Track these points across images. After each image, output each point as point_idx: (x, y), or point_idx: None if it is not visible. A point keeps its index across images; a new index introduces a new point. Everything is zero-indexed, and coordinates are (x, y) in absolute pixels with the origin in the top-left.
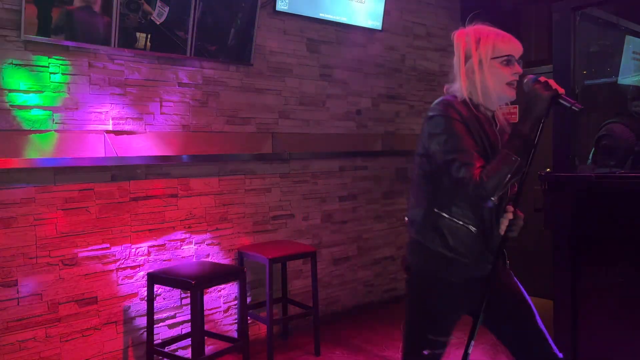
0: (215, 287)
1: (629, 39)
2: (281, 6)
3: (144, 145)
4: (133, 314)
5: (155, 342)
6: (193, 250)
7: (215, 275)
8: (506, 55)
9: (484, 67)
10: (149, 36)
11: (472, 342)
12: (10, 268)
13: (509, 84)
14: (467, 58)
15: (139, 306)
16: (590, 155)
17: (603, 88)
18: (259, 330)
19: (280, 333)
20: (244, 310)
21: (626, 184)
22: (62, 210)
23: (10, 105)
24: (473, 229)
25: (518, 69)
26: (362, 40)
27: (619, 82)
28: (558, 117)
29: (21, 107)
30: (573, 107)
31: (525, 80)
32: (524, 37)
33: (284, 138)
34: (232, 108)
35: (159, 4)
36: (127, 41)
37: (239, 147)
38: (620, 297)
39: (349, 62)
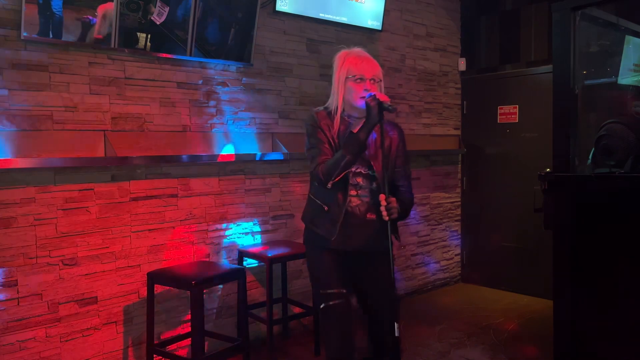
0: (215, 287)
1: (629, 39)
2: (281, 6)
3: (144, 145)
4: (133, 314)
5: (155, 342)
6: (193, 250)
7: (215, 275)
8: (357, 75)
9: (342, 85)
10: (149, 36)
11: (397, 325)
12: (10, 268)
13: (360, 97)
14: (336, 77)
15: (139, 306)
16: (590, 155)
17: (603, 88)
18: (259, 330)
19: (280, 333)
20: (244, 310)
21: (626, 184)
22: (62, 210)
23: (12, 106)
24: (325, 207)
25: (367, 86)
26: (362, 40)
27: (619, 82)
28: (558, 117)
29: (21, 107)
30: (390, 108)
31: (365, 97)
32: (524, 37)
33: (284, 138)
34: (232, 108)
35: (159, 4)
36: (127, 41)
37: (239, 147)
38: (620, 297)
39: None
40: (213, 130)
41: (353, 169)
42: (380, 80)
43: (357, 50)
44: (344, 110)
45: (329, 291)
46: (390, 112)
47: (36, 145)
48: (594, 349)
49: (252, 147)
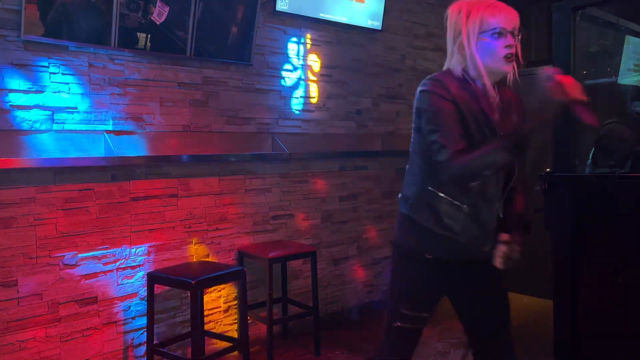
0: (215, 287)
1: (629, 39)
2: (281, 6)
3: (144, 145)
4: (133, 314)
5: (155, 342)
6: (193, 250)
7: (215, 275)
8: (495, 28)
9: (473, 43)
10: (149, 36)
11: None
12: (10, 268)
13: (502, 57)
14: (458, 33)
15: (139, 306)
16: (590, 155)
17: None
18: (259, 330)
19: (280, 333)
20: (244, 310)
21: (626, 184)
22: (62, 210)
23: (11, 105)
24: (466, 208)
25: (510, 40)
26: (362, 40)
27: (619, 82)
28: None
29: (21, 107)
30: (587, 120)
31: (541, 73)
32: (523, 37)
33: (284, 138)
34: (232, 108)
35: (159, 4)
36: (127, 41)
37: (239, 147)
38: (621, 297)
39: (349, 62)
40: (213, 130)
41: None
42: (519, 34)
43: None
44: (466, 73)
45: (412, 314)
46: (584, 121)
47: (36, 145)
48: (594, 349)
49: (252, 147)
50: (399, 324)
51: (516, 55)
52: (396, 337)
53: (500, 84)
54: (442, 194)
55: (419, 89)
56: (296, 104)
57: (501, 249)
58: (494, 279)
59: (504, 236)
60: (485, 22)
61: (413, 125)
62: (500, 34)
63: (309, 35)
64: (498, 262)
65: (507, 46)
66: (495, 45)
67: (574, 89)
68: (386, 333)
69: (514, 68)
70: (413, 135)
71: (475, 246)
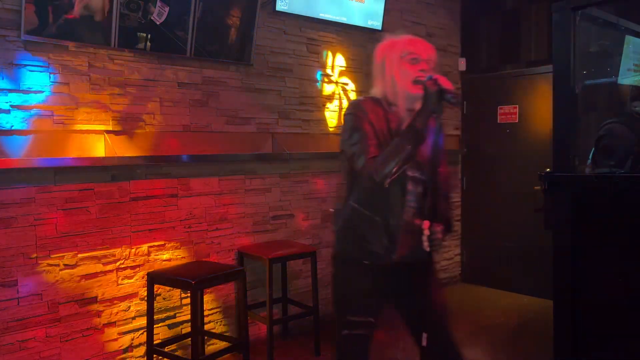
0: (215, 287)
1: (629, 39)
2: (281, 6)
3: (144, 145)
4: (133, 314)
5: (155, 342)
6: (193, 250)
7: (215, 275)
8: (412, 54)
9: (395, 67)
10: (149, 36)
11: (425, 335)
12: (10, 268)
13: (414, 81)
14: (382, 60)
15: (139, 306)
16: (590, 155)
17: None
18: (259, 330)
19: (280, 333)
20: (244, 310)
21: (626, 184)
22: (62, 210)
23: (11, 105)
24: (378, 219)
25: (424, 66)
26: (362, 40)
27: (619, 82)
28: (558, 117)
29: (21, 107)
30: (451, 99)
31: (423, 80)
32: (524, 37)
33: (284, 138)
34: (232, 108)
35: (159, 4)
36: (127, 41)
37: (239, 147)
38: (621, 297)
39: (349, 62)
40: (213, 130)
41: (409, 173)
42: (434, 67)
43: (407, 34)
44: (393, 102)
45: (357, 319)
46: (451, 104)
47: (36, 145)
48: (594, 349)
49: (252, 147)
50: (346, 331)
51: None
52: (346, 346)
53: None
54: (360, 207)
55: (344, 112)
56: (296, 104)
57: (425, 234)
58: (424, 279)
59: (425, 224)
60: (405, 50)
61: (340, 147)
62: (416, 60)
63: (309, 35)
64: (425, 246)
65: (421, 70)
66: (411, 69)
67: (443, 80)
68: (336, 345)
69: (424, 86)
70: (340, 157)
71: (386, 254)
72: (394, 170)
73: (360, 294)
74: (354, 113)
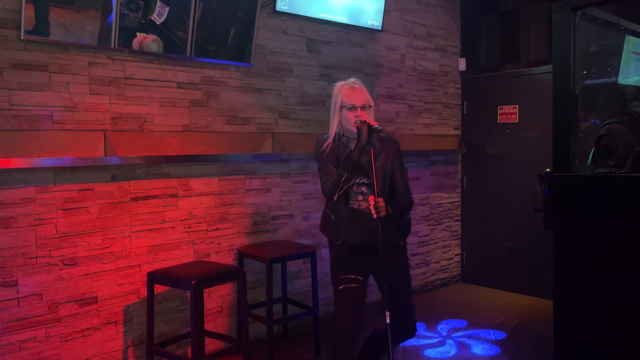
0: (215, 287)
1: (629, 39)
2: (281, 6)
3: (144, 145)
4: (133, 314)
5: (155, 342)
6: (193, 250)
7: (215, 275)
8: (349, 104)
9: (338, 112)
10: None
11: (387, 313)
12: (10, 268)
13: (352, 123)
14: (333, 105)
15: (139, 306)
16: (590, 155)
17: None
18: (259, 330)
19: (280, 333)
20: (244, 310)
21: (626, 184)
22: (62, 210)
23: (10, 105)
24: (332, 216)
25: (359, 113)
26: (362, 40)
27: (619, 82)
28: (558, 117)
29: (21, 107)
30: (377, 129)
31: (357, 124)
32: (524, 37)
33: (284, 138)
34: (232, 108)
35: (159, 4)
36: (127, 41)
37: (239, 147)
38: (621, 297)
39: (349, 62)
40: (213, 130)
41: (357, 181)
42: (371, 106)
43: (351, 81)
44: (342, 134)
45: (348, 276)
46: (378, 132)
47: (36, 145)
48: (594, 349)
49: (252, 147)
50: (341, 286)
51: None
52: (344, 297)
53: (377, 138)
54: (326, 209)
55: (313, 148)
56: (296, 104)
57: (370, 204)
58: (390, 260)
59: (370, 198)
60: (344, 100)
61: None
62: (352, 108)
63: (308, 35)
64: (373, 213)
65: (356, 116)
66: (349, 115)
67: (370, 121)
68: (336, 300)
69: (357, 127)
70: None
71: (336, 238)
72: (337, 189)
73: (346, 259)
74: (316, 150)
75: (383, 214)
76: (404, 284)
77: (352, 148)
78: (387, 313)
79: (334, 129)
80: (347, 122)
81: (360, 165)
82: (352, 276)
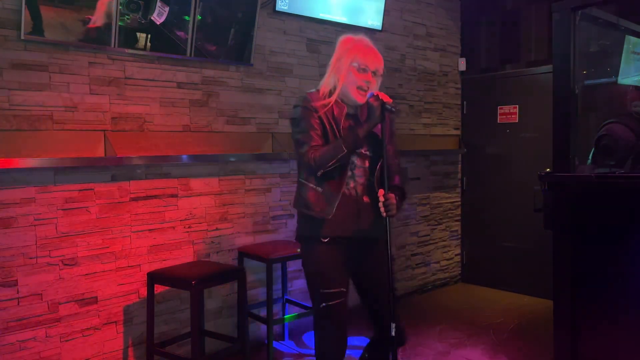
0: (215, 287)
1: (629, 39)
2: (281, 6)
3: (144, 145)
4: (133, 314)
5: (155, 342)
6: (193, 250)
7: (215, 275)
8: (362, 64)
9: (344, 69)
10: (149, 36)
11: (393, 325)
12: (10, 268)
13: (358, 87)
14: (337, 59)
15: (139, 306)
16: (590, 155)
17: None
18: (259, 330)
19: (280, 333)
20: (244, 310)
21: (626, 184)
22: (62, 210)
23: (10, 105)
24: (319, 189)
25: (369, 77)
26: None
27: (619, 82)
28: (558, 117)
29: (21, 107)
30: (392, 109)
31: (364, 88)
32: (524, 37)
33: (284, 138)
34: (232, 108)
35: (159, 4)
36: (127, 41)
37: (239, 147)
38: (621, 297)
39: None
40: (213, 130)
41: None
42: (381, 76)
43: (365, 39)
44: (339, 95)
45: (331, 291)
46: (391, 113)
47: (36, 145)
48: (594, 349)
49: (252, 147)
50: (324, 304)
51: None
52: (327, 317)
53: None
54: (304, 181)
55: (294, 104)
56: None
57: (380, 201)
58: (375, 253)
59: (380, 192)
60: (358, 58)
61: (291, 133)
62: (363, 70)
63: (309, 36)
64: (382, 211)
65: (365, 80)
66: (357, 77)
67: (383, 96)
68: (316, 319)
69: (368, 101)
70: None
71: (324, 214)
72: (329, 165)
73: (327, 266)
74: (302, 105)
75: (394, 213)
76: (387, 286)
77: (363, 122)
78: (393, 325)
79: (339, 86)
80: (351, 83)
81: (362, 145)
82: (336, 290)
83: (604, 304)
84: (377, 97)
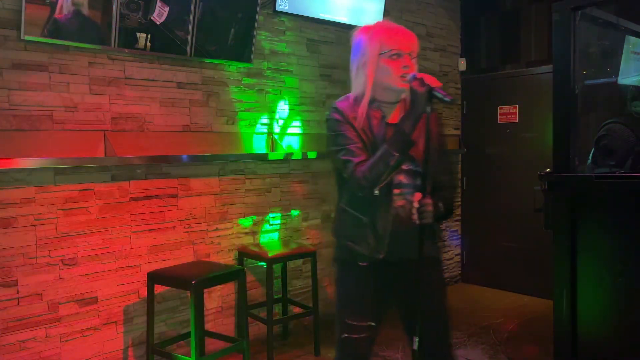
0: (215, 287)
1: (629, 39)
2: (281, 6)
3: (144, 145)
4: (133, 314)
5: (155, 342)
6: (193, 250)
7: (215, 275)
8: (393, 49)
9: (373, 64)
10: (149, 36)
11: (416, 339)
12: (10, 268)
13: (398, 77)
14: (361, 56)
15: (139, 306)
16: (590, 155)
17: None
18: (259, 330)
19: (280, 333)
20: (244, 310)
21: (626, 184)
22: (62, 210)
23: (10, 105)
24: (365, 219)
25: (407, 62)
26: None
27: (619, 82)
28: (558, 117)
29: (21, 107)
30: (445, 99)
31: (407, 79)
32: (524, 37)
33: (283, 138)
34: (232, 108)
35: (159, 4)
36: (127, 41)
37: (239, 147)
38: (621, 297)
39: (349, 62)
40: (213, 130)
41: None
42: (416, 57)
43: (386, 21)
44: (374, 97)
45: (355, 323)
46: (443, 102)
47: (36, 145)
48: (594, 349)
49: (252, 147)
50: (345, 335)
51: (421, 78)
52: (345, 349)
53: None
54: (347, 208)
55: (326, 117)
56: (296, 104)
57: (414, 206)
58: (424, 278)
59: (417, 196)
60: (385, 44)
61: (327, 150)
62: (398, 55)
63: (309, 36)
64: (415, 218)
65: (404, 67)
66: (392, 66)
67: (430, 79)
68: (337, 346)
69: (410, 86)
70: (329, 157)
71: (373, 253)
72: (383, 178)
73: (358, 296)
74: (333, 117)
75: (429, 221)
76: (443, 311)
77: (404, 116)
78: (415, 339)
79: (368, 86)
80: (386, 76)
81: (413, 143)
82: (363, 324)
83: (604, 304)
84: (422, 81)
